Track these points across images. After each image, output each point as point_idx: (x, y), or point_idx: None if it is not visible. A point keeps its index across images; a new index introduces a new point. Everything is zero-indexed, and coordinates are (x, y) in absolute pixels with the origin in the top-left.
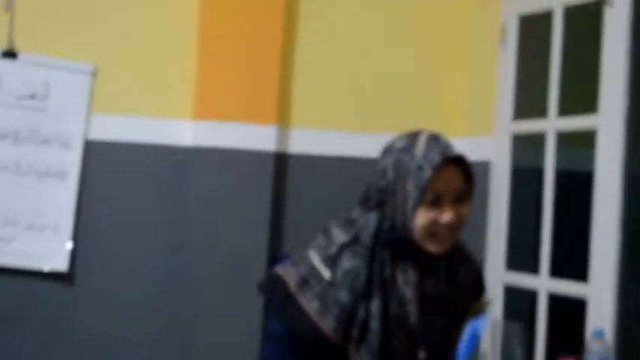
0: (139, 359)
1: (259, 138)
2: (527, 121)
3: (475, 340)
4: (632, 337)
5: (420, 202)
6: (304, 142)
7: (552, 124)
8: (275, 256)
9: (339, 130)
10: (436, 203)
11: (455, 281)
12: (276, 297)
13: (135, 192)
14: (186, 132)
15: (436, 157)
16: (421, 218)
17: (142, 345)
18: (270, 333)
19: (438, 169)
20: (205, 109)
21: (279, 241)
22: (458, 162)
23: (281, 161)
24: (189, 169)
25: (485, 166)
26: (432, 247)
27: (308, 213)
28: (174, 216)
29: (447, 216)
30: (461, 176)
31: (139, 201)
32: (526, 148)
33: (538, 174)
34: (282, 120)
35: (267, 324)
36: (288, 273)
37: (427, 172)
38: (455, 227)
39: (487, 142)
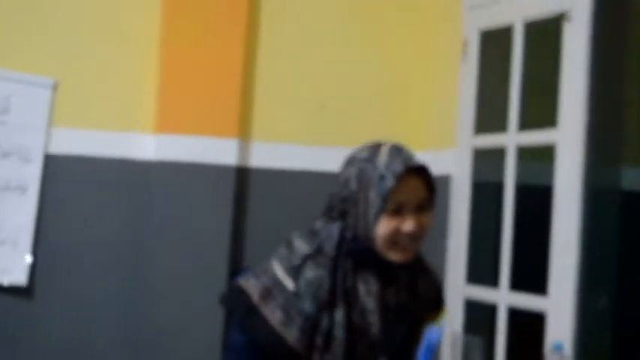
0: None
1: (221, 152)
2: (487, 135)
3: (431, 349)
4: (591, 350)
5: (382, 211)
6: (266, 155)
7: (512, 139)
8: (236, 269)
9: (301, 144)
10: (398, 212)
11: (415, 292)
12: (239, 308)
13: (96, 206)
14: (147, 146)
15: (399, 167)
16: (383, 227)
17: (103, 359)
18: (232, 344)
19: (401, 178)
20: (166, 123)
21: (240, 255)
22: (420, 172)
23: (243, 175)
24: (151, 183)
25: (446, 180)
26: (394, 257)
27: (270, 227)
28: (136, 230)
29: (409, 225)
30: (423, 186)
31: (99, 215)
32: (487, 162)
33: (498, 188)
34: (244, 133)
35: (228, 336)
36: (250, 284)
37: (390, 182)
38: (417, 236)
39: (448, 155)
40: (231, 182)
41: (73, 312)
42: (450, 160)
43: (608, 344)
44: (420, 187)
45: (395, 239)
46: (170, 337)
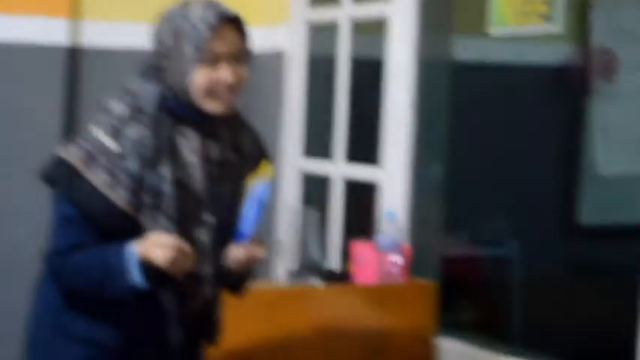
0: None
1: (50, 32)
2: (321, 8)
3: (260, 206)
4: (424, 218)
5: (197, 61)
6: (99, 35)
7: (345, 12)
8: None
9: (135, 21)
10: (214, 63)
11: (239, 148)
12: (62, 177)
13: None
14: None
15: (212, 18)
16: (199, 78)
17: None
18: (60, 216)
19: (214, 28)
20: None
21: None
22: (234, 23)
23: (75, 55)
24: None
25: (280, 55)
26: (212, 107)
27: None
28: None
29: (225, 74)
30: (237, 37)
31: None
32: (321, 36)
33: (333, 62)
34: (75, 12)
35: (55, 209)
36: (70, 152)
37: (203, 32)
38: (233, 87)
39: (282, 30)
40: (62, 63)
41: None
42: (284, 35)
43: (440, 212)
44: (235, 38)
45: (212, 89)
46: None
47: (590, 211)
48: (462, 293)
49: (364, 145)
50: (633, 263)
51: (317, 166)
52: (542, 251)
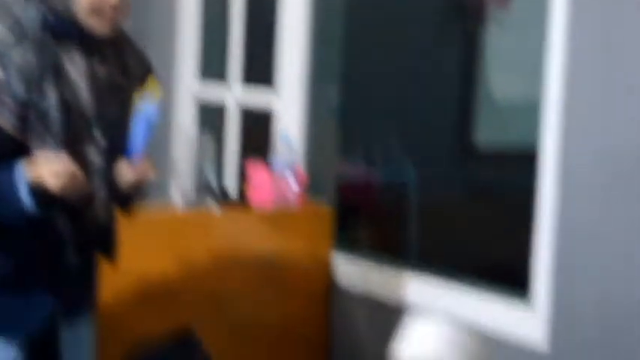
0: None
1: None
2: None
3: (150, 126)
4: (318, 142)
5: None
6: None
7: None
8: None
9: None
10: None
11: (126, 69)
12: None
13: None
14: None
15: None
16: None
17: None
18: None
19: None
20: None
21: None
22: None
23: None
24: None
25: None
26: (98, 26)
27: None
28: None
29: None
30: None
31: None
32: None
33: None
34: None
35: None
36: None
37: None
38: (119, 7)
39: None
40: None
41: None
42: None
43: (336, 136)
44: None
45: (97, 8)
46: None
47: (486, 136)
48: (358, 216)
49: (260, 68)
50: (527, 186)
51: (213, 91)
52: (438, 175)
